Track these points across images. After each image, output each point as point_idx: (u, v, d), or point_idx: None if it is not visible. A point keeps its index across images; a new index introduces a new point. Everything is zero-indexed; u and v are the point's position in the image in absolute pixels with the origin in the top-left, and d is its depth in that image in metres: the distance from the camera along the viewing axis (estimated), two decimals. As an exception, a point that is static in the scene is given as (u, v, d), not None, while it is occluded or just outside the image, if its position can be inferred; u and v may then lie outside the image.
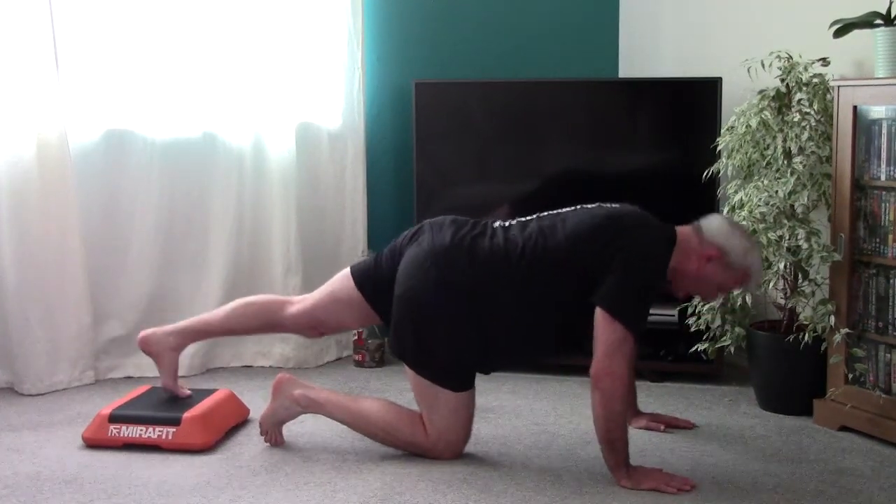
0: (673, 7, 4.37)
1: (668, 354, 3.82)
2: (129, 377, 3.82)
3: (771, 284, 3.33)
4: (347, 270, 3.08)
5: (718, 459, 2.95)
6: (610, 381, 2.69)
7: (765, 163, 3.37)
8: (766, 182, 3.29)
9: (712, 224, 2.90)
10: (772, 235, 3.23)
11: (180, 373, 3.28)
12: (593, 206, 2.93)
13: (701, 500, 2.65)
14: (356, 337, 4.03)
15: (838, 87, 3.14)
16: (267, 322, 3.16)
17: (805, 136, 3.24)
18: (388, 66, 4.29)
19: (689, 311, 3.50)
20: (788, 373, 3.36)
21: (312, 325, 3.12)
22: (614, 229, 2.79)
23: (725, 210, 3.43)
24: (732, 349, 3.43)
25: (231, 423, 3.19)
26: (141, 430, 3.01)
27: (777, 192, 3.24)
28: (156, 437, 3.00)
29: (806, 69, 3.32)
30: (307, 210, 4.07)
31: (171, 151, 3.86)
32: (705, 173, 3.52)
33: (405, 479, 2.77)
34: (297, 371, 3.90)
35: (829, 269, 3.23)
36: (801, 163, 3.25)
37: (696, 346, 3.52)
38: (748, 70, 3.42)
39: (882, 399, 3.05)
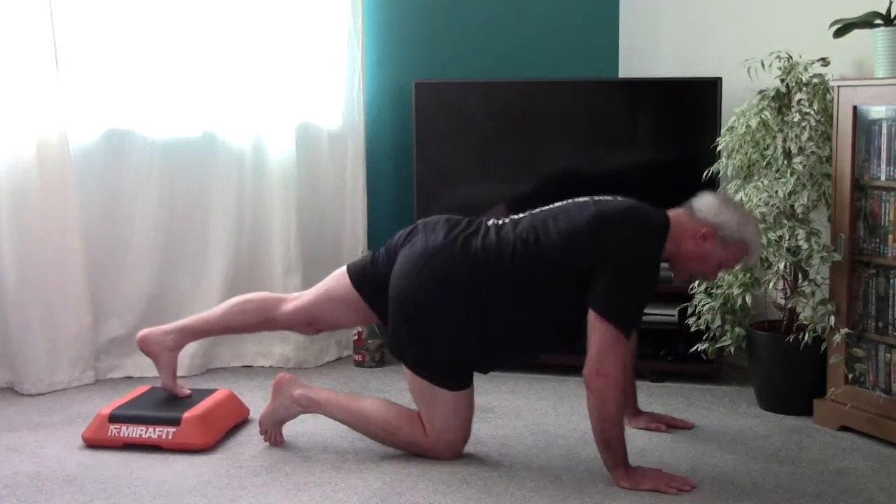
0: (673, 7, 4.37)
1: (668, 354, 3.82)
2: (129, 377, 3.82)
3: (771, 284, 3.33)
4: (343, 269, 3.08)
5: (718, 459, 2.95)
6: (602, 382, 2.69)
7: (765, 163, 3.36)
8: (766, 182, 3.29)
9: (703, 202, 2.88)
10: (772, 236, 3.23)
11: (180, 373, 3.28)
12: (585, 199, 2.90)
13: (701, 500, 2.65)
14: (356, 337, 4.03)
15: (838, 87, 3.14)
16: (264, 319, 3.15)
17: (805, 136, 3.25)
18: (388, 66, 4.29)
19: (689, 311, 3.50)
20: (788, 373, 3.36)
21: (308, 322, 3.12)
22: (606, 228, 2.78)
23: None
24: (732, 349, 3.43)
25: (231, 423, 3.19)
26: (141, 430, 3.00)
27: (777, 192, 3.24)
28: (156, 437, 3.00)
29: (806, 69, 3.32)
30: (307, 210, 4.06)
31: (170, 151, 3.86)
32: (705, 173, 3.51)
33: (405, 479, 2.77)
34: (297, 371, 3.90)
35: (829, 269, 3.23)
36: (801, 163, 3.25)
37: (696, 346, 3.51)
38: (748, 70, 3.42)
39: (882, 399, 3.05)
